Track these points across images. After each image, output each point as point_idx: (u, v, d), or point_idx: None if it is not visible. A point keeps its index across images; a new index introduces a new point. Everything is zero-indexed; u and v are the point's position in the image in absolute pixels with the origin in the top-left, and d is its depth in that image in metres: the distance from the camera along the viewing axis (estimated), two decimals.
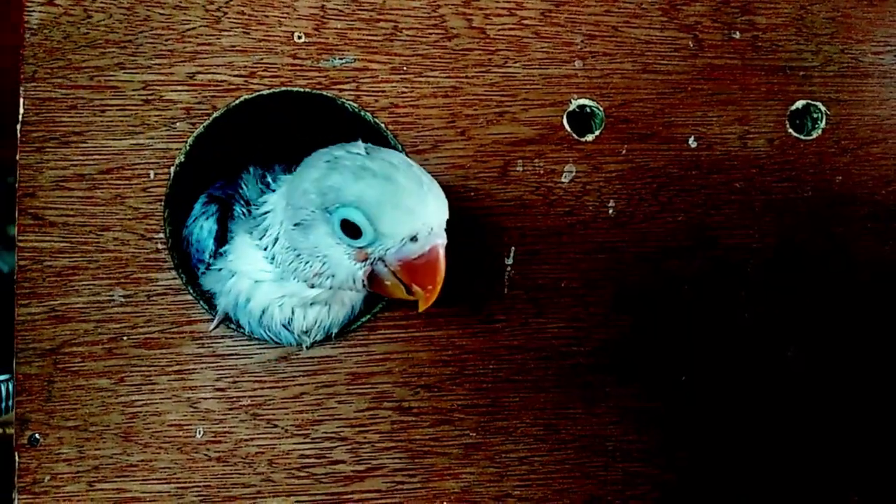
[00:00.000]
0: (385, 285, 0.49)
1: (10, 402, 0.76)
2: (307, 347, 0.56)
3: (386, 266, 0.48)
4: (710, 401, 0.61)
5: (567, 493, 0.60)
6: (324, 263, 0.50)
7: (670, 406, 0.60)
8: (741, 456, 0.61)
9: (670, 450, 0.61)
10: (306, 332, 0.54)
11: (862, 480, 0.62)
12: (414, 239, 0.46)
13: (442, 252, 0.47)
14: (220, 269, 0.55)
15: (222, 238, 0.56)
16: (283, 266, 0.52)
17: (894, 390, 0.63)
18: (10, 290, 0.54)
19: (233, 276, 0.54)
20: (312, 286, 0.52)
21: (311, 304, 0.53)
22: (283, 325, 0.54)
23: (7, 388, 0.84)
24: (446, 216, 0.48)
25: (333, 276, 0.50)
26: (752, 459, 0.61)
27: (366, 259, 0.48)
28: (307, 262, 0.50)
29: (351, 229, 0.47)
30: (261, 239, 0.53)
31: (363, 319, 0.57)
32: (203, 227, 0.56)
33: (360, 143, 0.50)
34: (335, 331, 0.56)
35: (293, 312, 0.53)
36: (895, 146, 0.62)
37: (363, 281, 0.49)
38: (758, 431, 0.61)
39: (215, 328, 0.56)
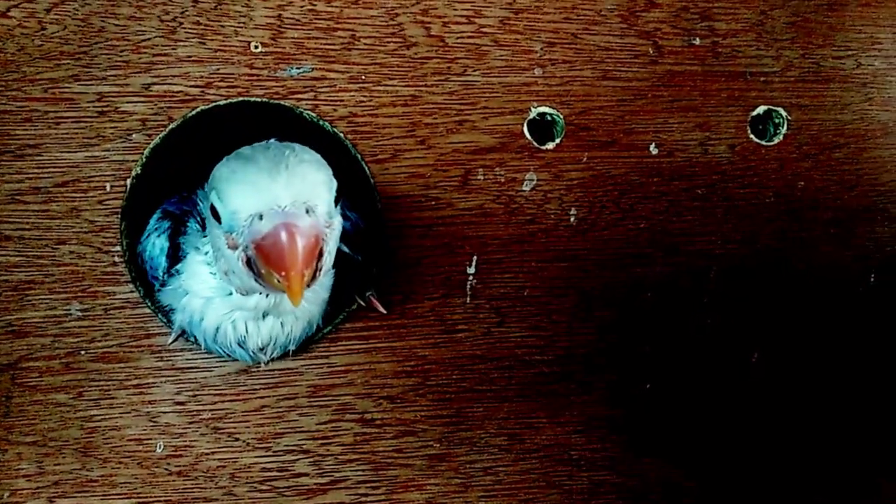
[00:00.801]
0: (262, 275, 0.44)
1: None
2: (265, 364, 0.56)
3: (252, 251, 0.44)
4: (674, 408, 0.61)
5: (532, 502, 0.59)
6: (219, 258, 0.48)
7: (634, 414, 0.60)
8: (706, 462, 0.61)
9: (635, 458, 0.60)
10: (262, 349, 0.53)
11: (828, 484, 0.62)
12: (262, 218, 0.43)
13: (296, 234, 0.42)
14: (174, 287, 0.54)
15: (175, 255, 0.55)
16: (219, 274, 0.50)
17: (859, 394, 0.63)
18: None
19: (186, 294, 0.53)
20: (243, 293, 0.50)
21: (264, 317, 0.52)
22: (238, 344, 0.53)
23: None
24: (307, 198, 0.43)
25: (232, 270, 0.47)
26: (717, 465, 0.61)
27: (236, 246, 0.45)
28: (218, 261, 0.49)
29: (215, 213, 0.46)
30: (206, 254, 0.52)
31: (325, 331, 0.57)
32: (155, 245, 0.55)
33: (271, 140, 0.48)
34: (293, 347, 0.55)
35: (247, 329, 0.52)
36: (857, 151, 0.62)
37: (246, 272, 0.45)
38: (722, 437, 0.61)
39: (174, 342, 0.55)
